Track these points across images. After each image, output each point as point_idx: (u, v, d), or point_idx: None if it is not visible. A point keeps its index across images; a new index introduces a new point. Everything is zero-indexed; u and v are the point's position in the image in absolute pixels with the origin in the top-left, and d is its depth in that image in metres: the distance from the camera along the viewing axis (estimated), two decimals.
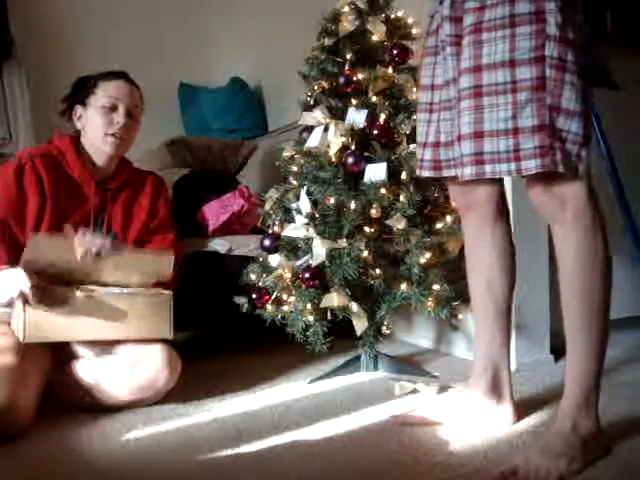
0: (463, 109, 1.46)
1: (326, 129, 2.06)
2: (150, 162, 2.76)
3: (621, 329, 2.29)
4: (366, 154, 2.02)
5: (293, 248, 2.09)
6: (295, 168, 2.12)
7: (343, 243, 1.97)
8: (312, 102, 2.15)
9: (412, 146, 2.01)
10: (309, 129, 2.13)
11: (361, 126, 2.04)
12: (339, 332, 2.02)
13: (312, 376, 2.12)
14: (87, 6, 3.51)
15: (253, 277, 2.14)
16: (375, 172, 1.99)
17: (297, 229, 2.05)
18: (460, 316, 2.04)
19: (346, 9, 2.13)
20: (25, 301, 1.76)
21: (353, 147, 2.02)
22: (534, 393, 1.92)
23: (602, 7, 2.26)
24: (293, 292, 2.02)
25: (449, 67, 1.53)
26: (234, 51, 3.80)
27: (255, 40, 3.71)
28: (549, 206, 1.47)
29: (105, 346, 1.91)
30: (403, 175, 2.00)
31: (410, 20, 2.14)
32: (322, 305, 1.96)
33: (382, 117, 2.03)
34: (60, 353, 1.91)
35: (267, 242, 2.11)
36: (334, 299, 1.95)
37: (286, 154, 2.16)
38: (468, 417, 1.68)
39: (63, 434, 1.73)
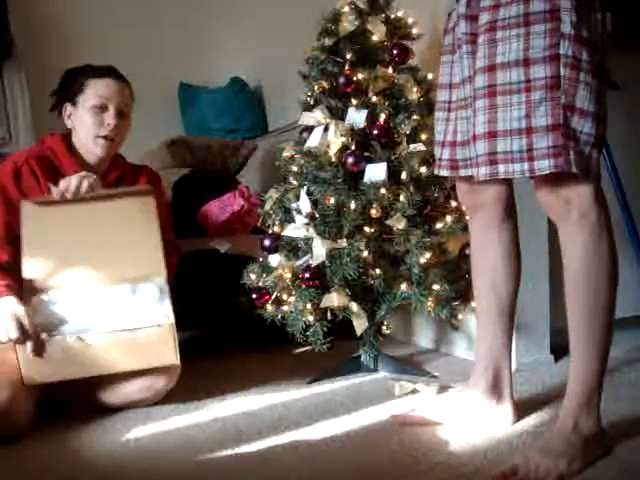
0: (478, 108, 1.46)
1: (326, 129, 2.06)
2: (150, 162, 2.76)
3: (625, 328, 2.28)
4: (366, 154, 2.02)
5: (293, 248, 2.09)
6: (295, 168, 2.11)
7: (343, 243, 1.97)
8: (312, 102, 2.15)
9: (412, 146, 2.01)
10: (309, 129, 2.12)
11: (361, 126, 2.03)
12: (339, 332, 2.02)
13: (312, 376, 2.12)
14: (87, 6, 3.52)
15: (253, 277, 2.14)
16: (375, 172, 1.99)
17: (297, 229, 2.05)
18: (460, 316, 2.03)
19: (346, 9, 2.13)
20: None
21: (353, 147, 2.02)
22: (534, 393, 1.92)
23: (602, 8, 2.26)
24: (293, 292, 2.02)
25: (465, 66, 1.53)
26: (234, 51, 3.80)
27: (255, 40, 3.71)
28: (556, 206, 1.46)
29: None
30: (403, 175, 2.00)
31: (410, 20, 2.14)
32: (322, 305, 1.96)
33: (382, 117, 2.03)
34: None
35: (267, 242, 2.11)
36: (334, 299, 1.95)
37: (286, 154, 2.16)
38: (468, 417, 1.68)
39: (63, 434, 1.73)
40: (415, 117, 2.05)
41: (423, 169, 1.99)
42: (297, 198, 2.09)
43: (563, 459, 1.40)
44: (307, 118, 2.13)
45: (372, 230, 1.98)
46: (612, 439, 1.53)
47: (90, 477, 1.51)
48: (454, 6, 1.56)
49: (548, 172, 1.38)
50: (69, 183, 1.88)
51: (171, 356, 1.82)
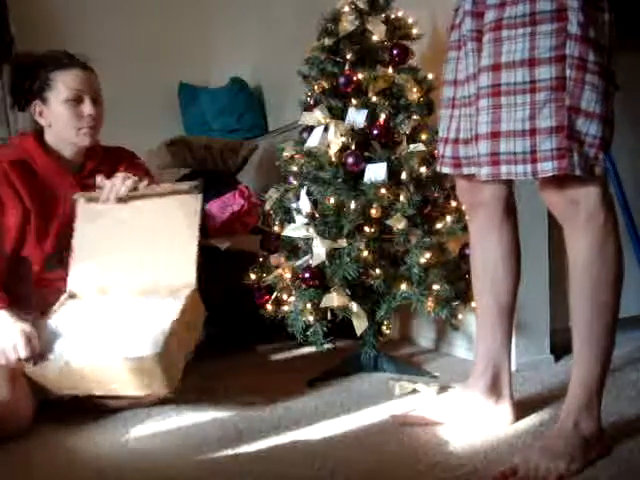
0: (481, 108, 1.45)
1: (326, 129, 2.06)
2: (150, 162, 2.76)
3: (626, 328, 2.28)
4: (366, 154, 2.02)
5: (293, 248, 2.09)
6: (295, 168, 2.12)
7: (343, 243, 1.97)
8: (312, 102, 2.15)
9: (412, 146, 2.01)
10: (309, 129, 2.12)
11: (361, 126, 2.03)
12: (339, 332, 2.02)
13: (312, 376, 2.12)
14: (87, 6, 3.51)
15: (253, 277, 2.14)
16: (375, 172, 1.99)
17: (297, 229, 2.05)
18: (460, 316, 2.03)
19: (346, 9, 2.13)
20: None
21: (353, 147, 2.02)
22: (534, 393, 1.92)
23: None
24: (293, 292, 2.02)
25: (469, 63, 1.51)
26: (234, 51, 3.80)
27: (255, 40, 3.71)
28: (562, 207, 1.45)
29: None
30: (403, 175, 2.00)
31: (410, 20, 2.14)
32: (322, 305, 1.96)
33: (382, 117, 2.03)
34: None
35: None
36: (334, 299, 1.95)
37: (286, 154, 2.16)
38: (468, 417, 1.68)
39: (63, 434, 1.73)
40: (415, 117, 2.05)
41: (423, 169, 1.99)
42: (297, 198, 2.09)
43: (563, 459, 1.40)
44: (307, 118, 2.13)
45: (372, 230, 1.98)
46: (612, 439, 1.53)
47: (90, 477, 1.51)
48: (460, 2, 1.56)
49: (551, 174, 1.38)
50: (112, 185, 1.90)
51: (159, 387, 1.72)
